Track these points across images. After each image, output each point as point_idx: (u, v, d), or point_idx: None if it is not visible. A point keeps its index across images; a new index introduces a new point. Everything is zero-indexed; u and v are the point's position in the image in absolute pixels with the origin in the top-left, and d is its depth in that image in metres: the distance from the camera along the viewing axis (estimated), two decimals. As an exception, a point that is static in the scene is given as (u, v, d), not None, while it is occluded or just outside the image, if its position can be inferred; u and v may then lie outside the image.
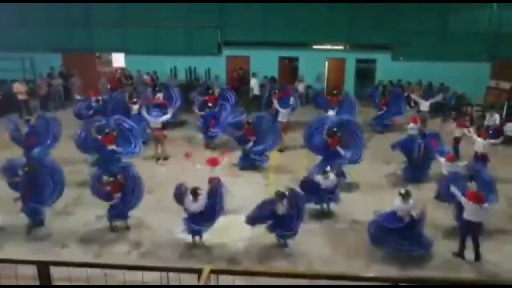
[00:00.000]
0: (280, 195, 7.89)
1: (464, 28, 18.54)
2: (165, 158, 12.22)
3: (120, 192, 8.40)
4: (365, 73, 19.73)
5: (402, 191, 7.70)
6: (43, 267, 3.42)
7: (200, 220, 7.90)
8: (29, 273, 3.59)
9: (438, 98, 15.50)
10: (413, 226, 7.49)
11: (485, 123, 13.66)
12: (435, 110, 16.50)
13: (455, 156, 10.84)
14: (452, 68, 17.81)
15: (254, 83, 18.09)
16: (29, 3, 18.26)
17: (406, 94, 17.72)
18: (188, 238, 8.13)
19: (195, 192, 7.87)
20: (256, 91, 17.91)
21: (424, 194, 9.54)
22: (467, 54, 18.32)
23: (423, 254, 7.60)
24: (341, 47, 19.49)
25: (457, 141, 12.37)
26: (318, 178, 9.04)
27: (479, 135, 10.95)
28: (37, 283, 3.57)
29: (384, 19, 18.51)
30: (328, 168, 9.25)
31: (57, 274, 3.61)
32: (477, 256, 7.59)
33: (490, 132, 11.52)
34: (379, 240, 7.69)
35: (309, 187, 8.88)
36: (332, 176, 9.05)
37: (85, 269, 3.69)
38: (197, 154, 12.84)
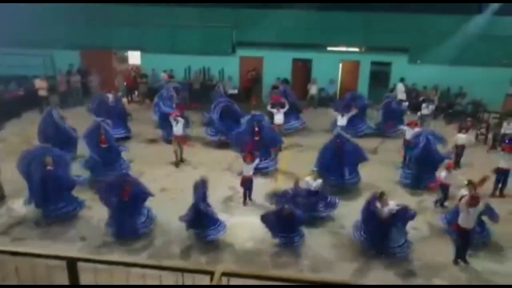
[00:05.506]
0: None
1: (484, 31, 17.79)
2: (182, 160, 12.35)
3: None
4: (379, 76, 19.50)
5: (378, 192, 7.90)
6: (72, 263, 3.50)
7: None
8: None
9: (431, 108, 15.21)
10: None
11: (502, 131, 13.44)
12: (451, 116, 16.31)
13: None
14: (471, 73, 17.37)
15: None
16: (50, 3, 18.46)
17: (421, 98, 17.34)
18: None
19: None
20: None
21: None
22: (487, 59, 17.64)
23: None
24: (356, 49, 19.34)
25: (458, 148, 12.02)
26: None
27: (503, 149, 10.54)
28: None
29: (401, 21, 18.20)
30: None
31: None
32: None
33: (507, 141, 11.27)
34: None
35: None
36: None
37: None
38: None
